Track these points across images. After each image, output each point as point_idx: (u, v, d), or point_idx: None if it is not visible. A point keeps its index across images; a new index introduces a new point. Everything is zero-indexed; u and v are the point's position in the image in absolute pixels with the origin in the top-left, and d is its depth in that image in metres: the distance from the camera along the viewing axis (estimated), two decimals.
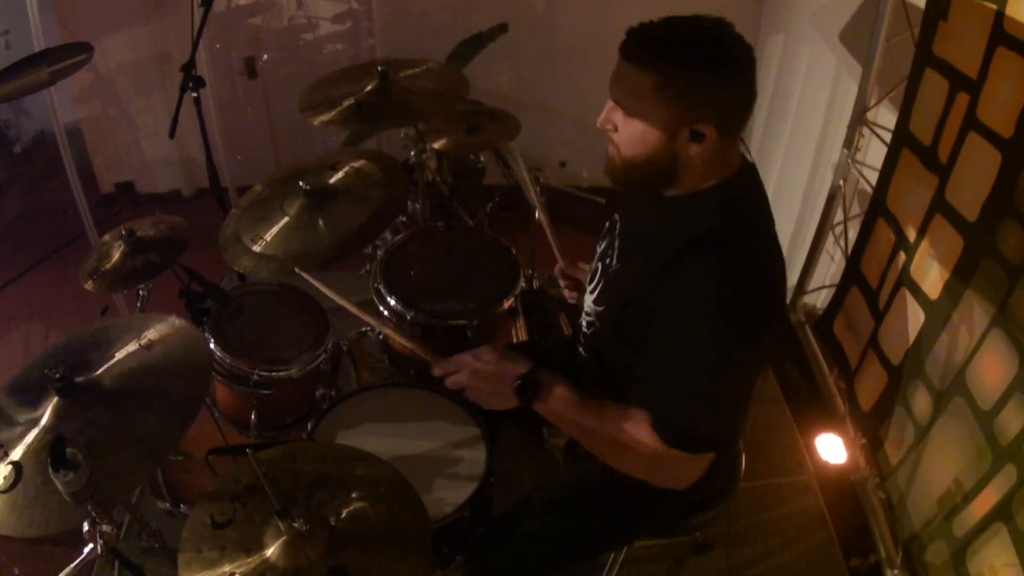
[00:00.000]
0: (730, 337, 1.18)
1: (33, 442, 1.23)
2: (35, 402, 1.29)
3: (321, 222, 1.84)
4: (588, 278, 1.49)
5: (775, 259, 1.25)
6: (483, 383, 1.34)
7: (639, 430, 1.26)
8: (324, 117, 2.10)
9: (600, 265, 1.43)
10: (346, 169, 1.99)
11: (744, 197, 1.27)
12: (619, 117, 1.22)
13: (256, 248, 1.82)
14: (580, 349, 1.53)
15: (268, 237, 1.81)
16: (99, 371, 1.34)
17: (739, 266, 1.18)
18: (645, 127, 1.18)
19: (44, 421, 1.26)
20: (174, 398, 1.32)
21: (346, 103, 2.12)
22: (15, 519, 1.17)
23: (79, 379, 1.29)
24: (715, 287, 1.17)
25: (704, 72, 1.13)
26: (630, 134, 1.21)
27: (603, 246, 1.46)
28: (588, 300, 1.45)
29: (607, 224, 1.50)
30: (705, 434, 1.25)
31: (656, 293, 1.22)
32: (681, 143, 1.18)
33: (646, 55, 1.14)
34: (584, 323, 1.48)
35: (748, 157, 1.30)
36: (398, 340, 1.44)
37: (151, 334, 1.41)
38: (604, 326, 1.38)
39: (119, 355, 1.37)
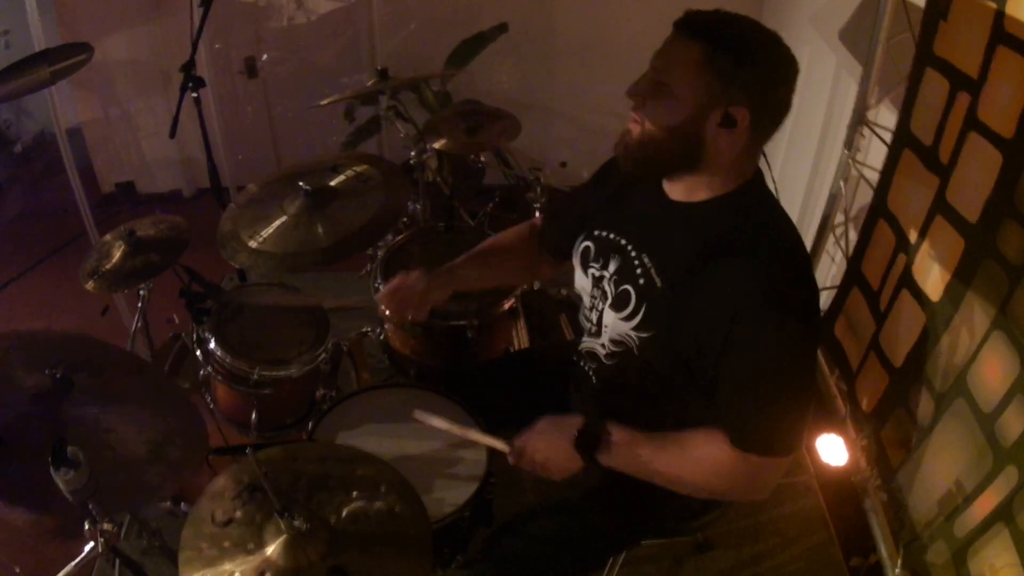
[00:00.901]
0: (796, 335, 1.19)
1: None
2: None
3: (319, 225, 1.85)
4: (595, 304, 1.42)
5: (806, 253, 1.28)
6: (548, 456, 1.33)
7: (715, 447, 1.24)
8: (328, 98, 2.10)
9: (630, 288, 1.32)
10: (347, 172, 2.00)
11: (762, 200, 1.28)
12: (653, 88, 1.19)
13: (253, 244, 1.83)
14: (590, 373, 1.48)
15: (266, 234, 1.82)
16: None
17: (790, 264, 1.21)
18: (680, 98, 1.16)
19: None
20: None
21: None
22: None
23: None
24: (775, 290, 1.17)
25: (752, 59, 1.14)
26: (663, 104, 1.18)
27: (605, 266, 1.38)
28: (623, 328, 1.34)
29: (587, 246, 1.43)
30: (787, 435, 1.24)
31: (708, 306, 1.20)
32: (711, 125, 1.17)
33: (699, 27, 1.15)
34: (605, 353, 1.41)
35: (766, 169, 1.31)
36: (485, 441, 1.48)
37: None
38: (650, 352, 1.31)
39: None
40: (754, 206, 1.25)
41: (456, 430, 1.48)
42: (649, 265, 1.30)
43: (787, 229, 1.26)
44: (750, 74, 1.14)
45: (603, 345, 1.41)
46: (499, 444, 1.42)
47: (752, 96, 1.15)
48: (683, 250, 1.26)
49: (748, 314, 1.17)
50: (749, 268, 1.18)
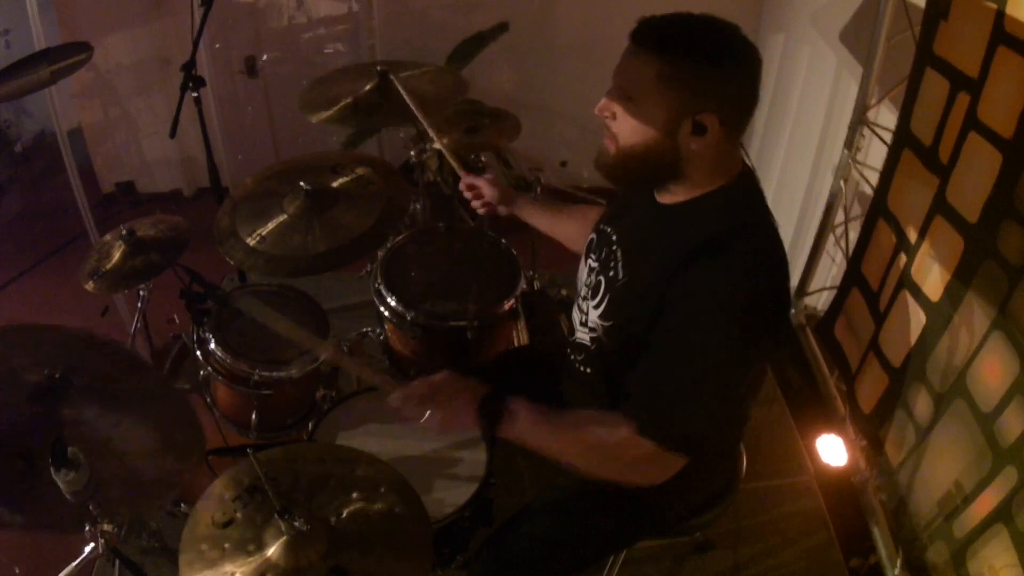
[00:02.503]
0: (733, 336, 1.17)
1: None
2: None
3: (319, 228, 1.86)
4: (585, 291, 1.44)
5: (779, 262, 1.24)
6: (442, 408, 1.31)
7: (613, 429, 1.23)
8: (323, 115, 2.12)
9: (603, 279, 1.38)
10: (348, 175, 2.01)
11: (746, 201, 1.27)
12: (619, 106, 1.20)
13: (252, 242, 1.84)
14: (580, 367, 1.49)
15: (265, 233, 1.84)
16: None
17: (744, 266, 1.18)
18: (646, 114, 1.17)
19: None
20: None
21: (344, 102, 2.14)
22: None
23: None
24: (721, 287, 1.16)
25: (710, 63, 1.13)
26: (631, 122, 1.19)
27: (598, 259, 1.42)
28: (593, 316, 1.40)
29: (592, 238, 1.47)
30: (689, 432, 1.22)
31: (664, 299, 1.21)
32: (683, 136, 1.18)
33: (654, 41, 1.15)
34: (587, 339, 1.43)
35: (748, 162, 1.30)
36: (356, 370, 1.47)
37: None
38: (613, 341, 1.36)
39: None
40: (735, 207, 1.25)
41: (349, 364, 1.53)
42: (619, 259, 1.34)
43: (764, 234, 1.24)
44: (711, 79, 1.14)
45: (585, 333, 1.44)
46: (382, 381, 1.40)
47: (718, 100, 1.15)
48: (659, 251, 1.27)
49: (696, 306, 1.18)
50: (713, 270, 1.18)
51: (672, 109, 1.16)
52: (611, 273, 1.36)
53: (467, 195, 1.88)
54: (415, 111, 2.02)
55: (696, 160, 1.21)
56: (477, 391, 1.32)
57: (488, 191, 1.84)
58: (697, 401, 1.21)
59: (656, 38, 1.15)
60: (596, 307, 1.38)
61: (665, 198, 1.31)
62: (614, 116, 1.22)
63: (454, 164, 1.96)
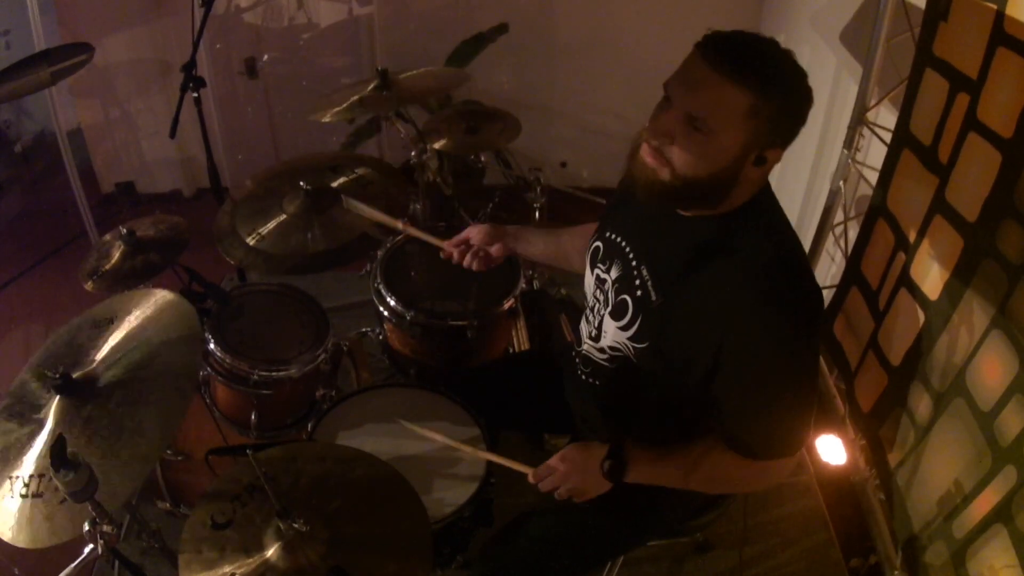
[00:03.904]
0: (790, 336, 1.19)
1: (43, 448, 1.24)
2: (35, 408, 1.29)
3: (318, 228, 1.86)
4: (596, 306, 1.42)
5: (804, 257, 1.27)
6: (576, 480, 1.36)
7: (728, 460, 1.30)
8: (329, 112, 2.12)
9: (628, 299, 1.32)
10: (348, 175, 2.01)
11: (773, 214, 1.26)
12: (686, 131, 1.12)
13: (251, 241, 1.84)
14: (587, 378, 1.48)
15: (264, 232, 1.84)
16: (95, 363, 1.34)
17: (800, 284, 1.21)
18: (721, 145, 1.11)
19: (49, 424, 1.26)
20: (170, 376, 1.32)
21: (349, 101, 2.15)
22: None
23: (77, 375, 1.29)
24: (771, 289, 1.17)
25: (793, 103, 1.12)
26: (701, 151, 1.12)
27: (608, 270, 1.38)
28: (619, 336, 1.34)
29: (598, 246, 1.43)
30: (792, 438, 1.28)
31: (723, 325, 1.19)
32: (747, 166, 1.15)
33: (746, 72, 1.07)
34: (603, 357, 1.41)
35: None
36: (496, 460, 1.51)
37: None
38: (646, 362, 1.32)
39: (111, 341, 1.38)
40: (759, 214, 1.24)
41: (481, 454, 1.52)
42: (647, 277, 1.30)
43: (788, 235, 1.25)
44: (795, 115, 1.13)
45: (602, 350, 1.41)
46: (522, 467, 1.44)
47: (786, 135, 1.15)
48: (681, 260, 1.25)
49: (740, 319, 1.17)
50: (744, 269, 1.18)
51: (749, 143, 1.12)
52: (639, 293, 1.30)
53: (459, 261, 1.66)
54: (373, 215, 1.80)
55: (745, 185, 1.19)
56: (599, 455, 1.35)
57: (475, 235, 1.65)
58: (785, 410, 1.25)
59: (751, 70, 1.07)
60: (624, 328, 1.33)
61: (689, 211, 1.26)
62: (673, 140, 1.14)
63: (428, 239, 1.74)
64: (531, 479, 1.40)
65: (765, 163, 1.16)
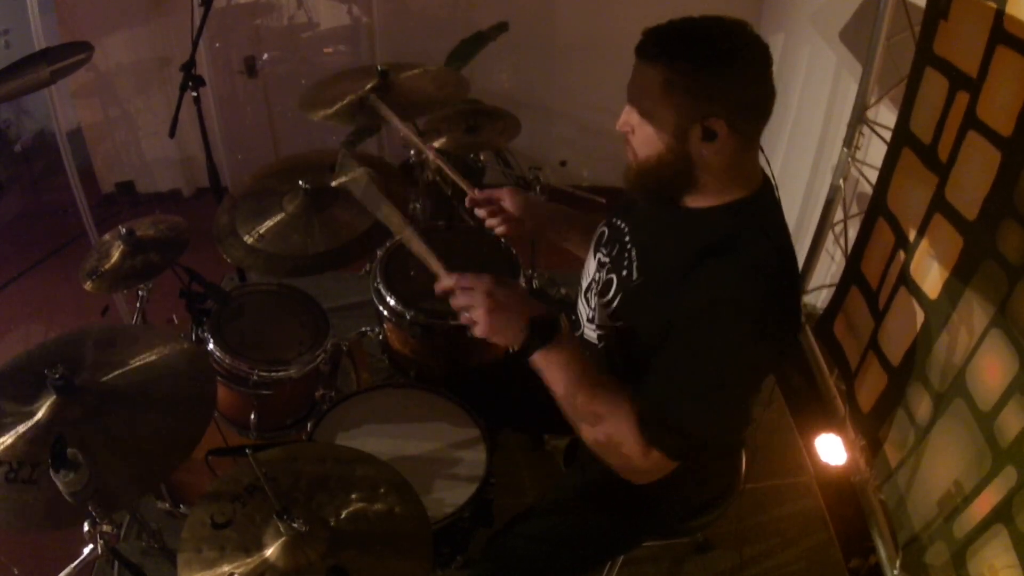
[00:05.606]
0: (738, 340, 1.17)
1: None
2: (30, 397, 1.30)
3: (318, 227, 1.86)
4: (592, 286, 1.43)
5: (787, 272, 1.24)
6: (498, 308, 1.21)
7: (624, 423, 1.21)
8: (325, 112, 2.12)
9: (614, 277, 1.36)
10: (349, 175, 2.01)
11: (763, 211, 1.26)
12: (635, 118, 1.21)
13: (250, 240, 1.84)
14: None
15: (263, 231, 1.84)
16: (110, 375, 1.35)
17: (751, 269, 1.17)
18: (657, 125, 1.18)
19: (39, 416, 1.27)
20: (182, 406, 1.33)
21: (346, 99, 2.14)
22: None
23: (79, 379, 1.29)
24: (731, 288, 1.16)
25: (713, 65, 1.12)
26: (645, 134, 1.20)
27: (610, 254, 1.40)
28: (602, 314, 1.37)
29: (603, 231, 1.46)
30: (688, 440, 1.21)
31: (675, 301, 1.21)
32: (694, 143, 1.17)
33: (655, 51, 1.15)
34: (595, 336, 1.41)
35: (769, 174, 1.29)
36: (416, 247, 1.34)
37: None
38: (621, 344, 1.34)
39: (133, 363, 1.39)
40: (754, 217, 1.24)
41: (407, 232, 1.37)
42: (634, 259, 1.33)
43: (775, 244, 1.23)
44: (716, 82, 1.12)
45: (593, 330, 1.42)
46: (439, 268, 1.31)
47: (725, 103, 1.13)
48: (673, 252, 1.26)
49: (708, 308, 1.17)
50: (723, 272, 1.18)
51: (680, 116, 1.16)
52: (624, 272, 1.34)
53: (480, 213, 1.63)
54: (403, 129, 1.86)
55: (711, 167, 1.20)
56: (534, 306, 1.24)
57: (509, 199, 1.60)
58: (700, 405, 1.20)
59: (659, 46, 1.15)
60: (606, 306, 1.36)
61: (687, 202, 1.29)
62: (632, 130, 1.23)
63: (456, 179, 1.72)
64: (444, 281, 1.27)
65: (716, 137, 1.16)
